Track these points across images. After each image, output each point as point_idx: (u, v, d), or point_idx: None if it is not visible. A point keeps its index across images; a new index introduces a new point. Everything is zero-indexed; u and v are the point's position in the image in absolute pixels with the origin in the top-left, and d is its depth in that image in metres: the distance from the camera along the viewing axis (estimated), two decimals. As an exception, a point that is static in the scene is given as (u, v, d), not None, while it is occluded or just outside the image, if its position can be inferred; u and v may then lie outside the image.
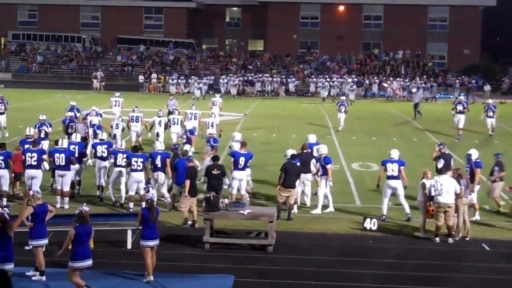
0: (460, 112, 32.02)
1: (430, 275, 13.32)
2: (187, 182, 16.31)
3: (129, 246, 14.43)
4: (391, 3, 73.06)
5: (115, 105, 32.18)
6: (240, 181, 17.91)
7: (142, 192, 17.38)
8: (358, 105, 48.70)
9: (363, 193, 20.07)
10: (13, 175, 18.46)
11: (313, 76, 61.58)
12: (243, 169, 17.88)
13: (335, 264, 13.93)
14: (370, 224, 16.18)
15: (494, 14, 77.35)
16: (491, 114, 32.51)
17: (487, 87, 56.87)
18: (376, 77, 60.82)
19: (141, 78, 59.25)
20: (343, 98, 35.45)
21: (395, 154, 17.28)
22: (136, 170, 17.52)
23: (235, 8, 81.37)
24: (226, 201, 15.33)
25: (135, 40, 74.23)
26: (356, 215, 17.46)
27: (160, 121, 26.00)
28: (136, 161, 17.56)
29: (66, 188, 17.92)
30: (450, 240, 15.37)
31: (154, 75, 60.10)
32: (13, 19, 78.65)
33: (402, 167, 17.05)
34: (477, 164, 17.49)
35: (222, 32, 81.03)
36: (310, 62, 69.21)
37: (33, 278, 12.41)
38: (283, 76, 61.68)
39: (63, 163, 17.82)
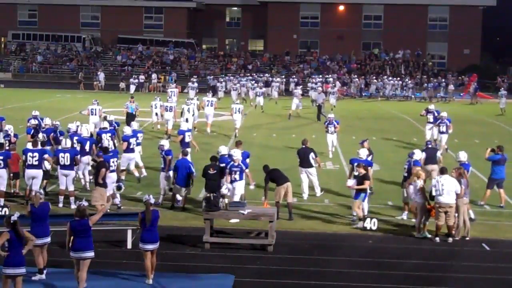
0: (431, 123, 28.34)
1: (430, 275, 13.33)
2: (102, 171, 16.46)
3: (129, 246, 14.43)
4: (391, 3, 73.10)
5: (172, 95, 37.37)
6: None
7: (111, 191, 17.43)
8: (358, 105, 48.68)
9: (363, 193, 20.04)
10: (11, 175, 18.47)
11: (313, 76, 61.38)
12: None
13: (335, 264, 13.92)
14: (370, 224, 16.19)
15: (494, 14, 77.44)
16: (443, 129, 26.69)
17: (451, 87, 56.35)
18: (374, 77, 60.61)
19: (141, 78, 59.31)
20: (331, 116, 26.90)
21: (363, 153, 17.37)
22: (113, 171, 17.58)
23: (235, 8, 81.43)
24: (226, 201, 15.32)
25: (135, 40, 74.27)
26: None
27: (188, 109, 30.09)
28: (114, 162, 17.67)
29: (72, 188, 17.94)
30: (450, 239, 15.39)
31: (154, 75, 60.13)
32: (13, 19, 78.72)
33: (369, 168, 17.15)
34: (415, 163, 17.58)
35: (222, 32, 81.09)
36: (310, 62, 69.24)
37: (33, 278, 12.41)
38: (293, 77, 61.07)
39: (68, 163, 17.83)
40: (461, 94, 57.01)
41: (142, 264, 12.63)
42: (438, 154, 20.32)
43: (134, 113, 30.79)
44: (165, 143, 18.78)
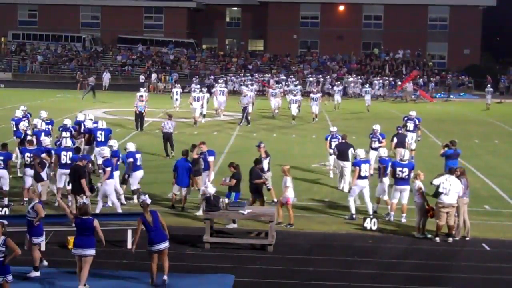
0: (410, 131, 25.24)
1: (430, 275, 13.33)
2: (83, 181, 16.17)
3: (129, 246, 14.41)
4: (391, 3, 73.07)
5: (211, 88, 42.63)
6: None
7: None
8: (358, 105, 48.63)
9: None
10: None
11: (312, 76, 61.01)
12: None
13: (335, 264, 13.93)
14: (370, 224, 16.20)
15: (494, 14, 77.38)
16: (376, 144, 22.27)
17: (410, 86, 55.51)
18: (359, 77, 59.85)
19: (142, 78, 59.35)
20: (334, 129, 22.61)
21: (362, 153, 17.63)
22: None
23: (235, 8, 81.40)
24: (226, 201, 15.33)
25: (135, 40, 74.24)
26: (356, 214, 17.45)
27: (203, 96, 34.72)
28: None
29: (69, 187, 17.93)
30: (450, 239, 15.40)
31: (153, 75, 60.13)
32: (13, 19, 78.68)
33: (356, 167, 17.50)
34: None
35: (222, 32, 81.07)
36: (310, 62, 69.21)
37: (29, 275, 12.48)
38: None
39: (69, 162, 17.80)
40: (396, 90, 56.27)
41: (143, 263, 12.63)
42: (407, 139, 23.28)
43: (143, 112, 31.28)
44: (113, 145, 18.41)
